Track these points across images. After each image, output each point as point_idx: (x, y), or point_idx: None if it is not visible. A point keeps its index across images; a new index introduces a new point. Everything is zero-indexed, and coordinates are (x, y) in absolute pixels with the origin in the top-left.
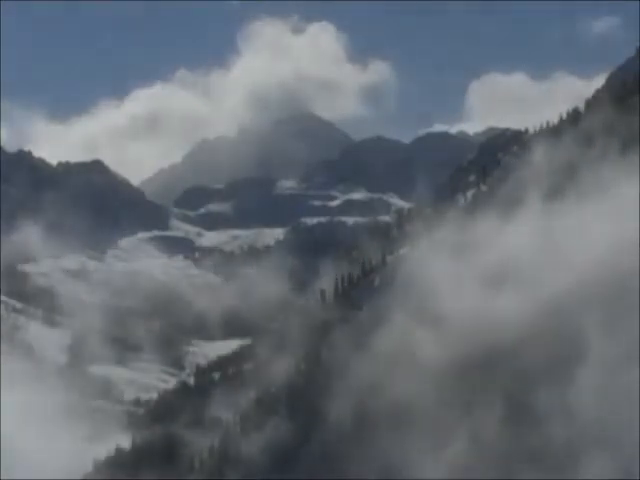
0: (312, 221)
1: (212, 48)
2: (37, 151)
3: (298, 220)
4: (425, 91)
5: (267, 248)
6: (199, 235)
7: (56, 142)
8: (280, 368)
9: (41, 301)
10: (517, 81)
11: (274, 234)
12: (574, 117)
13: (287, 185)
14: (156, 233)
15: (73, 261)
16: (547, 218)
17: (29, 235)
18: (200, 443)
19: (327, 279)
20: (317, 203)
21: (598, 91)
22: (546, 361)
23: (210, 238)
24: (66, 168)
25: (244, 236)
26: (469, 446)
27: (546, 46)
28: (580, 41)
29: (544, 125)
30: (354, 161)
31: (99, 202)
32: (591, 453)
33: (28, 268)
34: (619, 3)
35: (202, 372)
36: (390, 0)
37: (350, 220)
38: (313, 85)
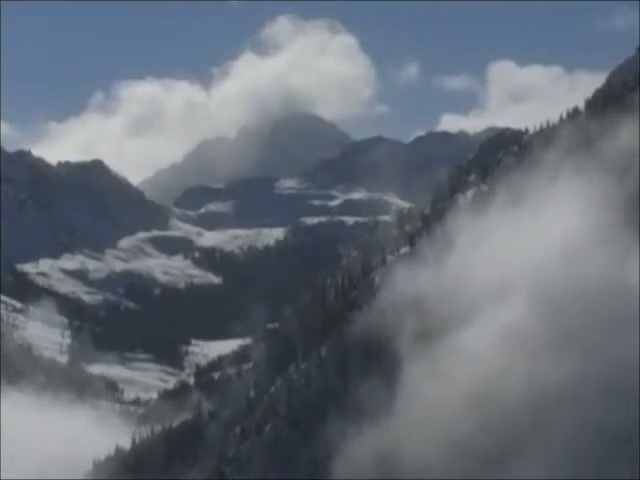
0: (312, 221)
1: (212, 48)
2: (37, 151)
3: (298, 220)
4: (430, 88)
5: (267, 248)
6: (199, 235)
7: (56, 142)
8: (280, 368)
9: (41, 301)
10: (531, 75)
11: (274, 234)
12: (574, 117)
13: (287, 185)
14: (156, 233)
15: (73, 261)
16: (548, 218)
17: (29, 235)
18: (200, 443)
19: (327, 279)
20: (317, 203)
21: (598, 91)
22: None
23: (210, 238)
24: (66, 168)
25: (244, 236)
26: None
27: (563, 41)
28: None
29: (544, 125)
30: (354, 161)
31: (99, 202)
32: None
33: (28, 268)
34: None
35: (202, 372)
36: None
37: (350, 220)
38: (313, 85)
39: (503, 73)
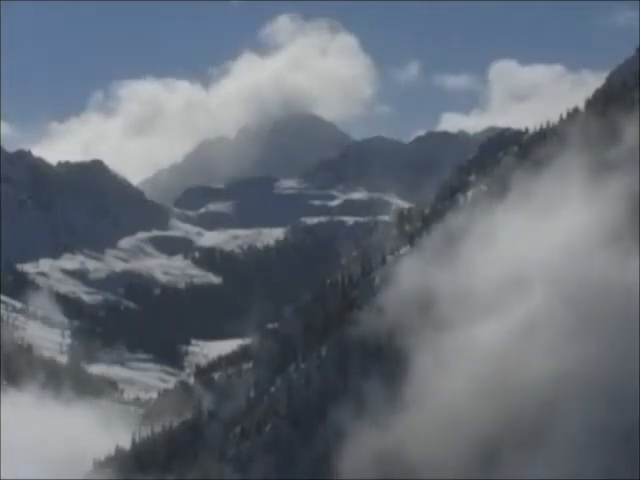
0: (312, 221)
1: (212, 48)
2: (37, 151)
3: (298, 220)
4: (431, 88)
5: (267, 248)
6: (199, 235)
7: (56, 142)
8: (280, 368)
9: (41, 301)
10: (533, 74)
11: (274, 234)
12: (574, 117)
13: (287, 185)
14: (156, 233)
15: (73, 261)
16: (548, 218)
17: (29, 235)
18: (200, 443)
19: (327, 279)
20: (317, 203)
21: (598, 90)
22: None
23: (210, 238)
24: (66, 168)
25: (244, 236)
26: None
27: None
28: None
29: (544, 125)
30: (354, 161)
31: (99, 202)
32: None
33: (28, 268)
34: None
35: (202, 372)
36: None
37: (350, 220)
38: (313, 85)
39: (504, 72)
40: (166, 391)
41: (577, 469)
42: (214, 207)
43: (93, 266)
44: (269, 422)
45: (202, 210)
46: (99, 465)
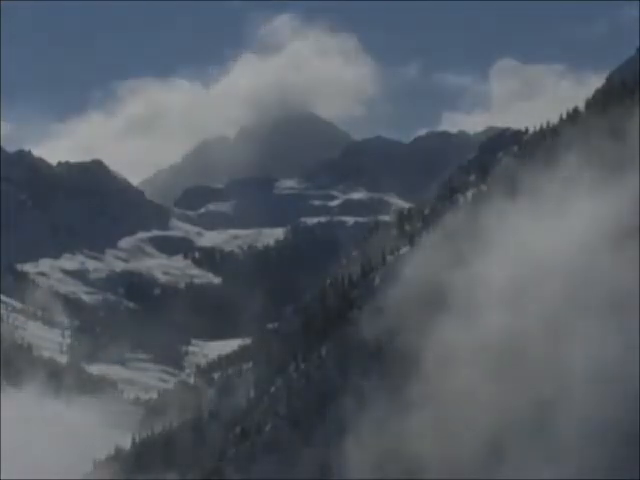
0: (312, 221)
1: (212, 48)
2: (37, 151)
3: (298, 220)
4: (432, 87)
5: (267, 248)
6: (199, 235)
7: (56, 142)
8: (280, 368)
9: (41, 301)
10: (535, 74)
11: (274, 234)
12: (574, 117)
13: (287, 185)
14: (156, 233)
15: (73, 261)
16: (549, 217)
17: (29, 235)
18: (200, 443)
19: (327, 279)
20: (317, 203)
21: (598, 91)
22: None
23: (210, 238)
24: (66, 168)
25: (244, 236)
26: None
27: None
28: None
29: (544, 125)
30: (354, 161)
31: (99, 202)
32: None
33: (28, 268)
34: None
35: (202, 372)
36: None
37: (350, 220)
38: (313, 85)
39: (505, 72)
40: (166, 391)
41: (577, 469)
42: (214, 207)
43: (93, 266)
44: (269, 422)
45: (202, 210)
46: (99, 465)
